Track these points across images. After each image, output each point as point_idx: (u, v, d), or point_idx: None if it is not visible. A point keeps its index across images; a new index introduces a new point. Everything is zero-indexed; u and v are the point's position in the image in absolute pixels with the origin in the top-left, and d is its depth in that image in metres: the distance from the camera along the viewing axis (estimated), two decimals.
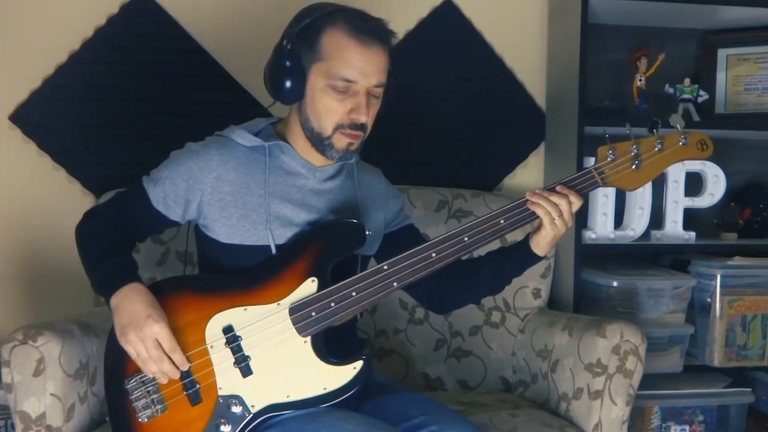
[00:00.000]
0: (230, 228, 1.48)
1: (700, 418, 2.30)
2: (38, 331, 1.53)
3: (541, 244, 1.50)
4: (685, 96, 2.34)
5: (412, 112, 2.31)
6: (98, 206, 1.58)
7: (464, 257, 1.49)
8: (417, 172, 2.29)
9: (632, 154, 1.49)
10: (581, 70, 2.15)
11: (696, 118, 2.33)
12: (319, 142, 1.48)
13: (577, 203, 1.47)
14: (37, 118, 2.19)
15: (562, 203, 1.45)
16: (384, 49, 1.46)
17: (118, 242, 1.48)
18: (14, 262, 2.21)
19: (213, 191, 1.48)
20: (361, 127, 1.46)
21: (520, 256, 1.55)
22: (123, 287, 1.39)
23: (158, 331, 1.35)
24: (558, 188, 1.47)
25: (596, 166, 1.49)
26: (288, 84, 1.45)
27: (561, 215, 1.45)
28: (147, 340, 1.35)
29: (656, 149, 1.50)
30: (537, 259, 1.53)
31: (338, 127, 1.45)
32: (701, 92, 2.35)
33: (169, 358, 1.36)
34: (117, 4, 2.21)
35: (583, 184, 1.49)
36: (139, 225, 1.53)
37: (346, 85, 1.43)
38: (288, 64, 1.45)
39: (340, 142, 1.47)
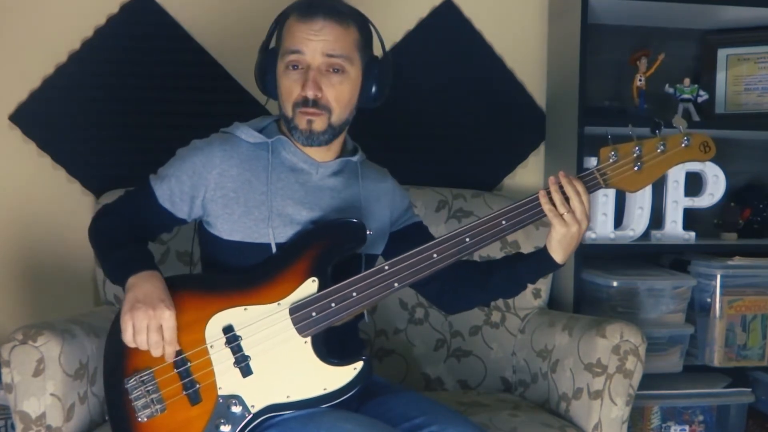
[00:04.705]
0: (232, 224, 1.48)
1: (700, 418, 2.30)
2: (38, 331, 1.54)
3: (553, 245, 1.47)
4: (685, 96, 2.34)
5: (412, 112, 2.32)
6: (108, 204, 1.60)
7: (469, 257, 1.48)
8: (417, 172, 2.29)
9: (635, 155, 1.47)
10: (581, 70, 2.15)
11: (696, 118, 2.33)
12: (289, 129, 1.51)
13: (584, 194, 1.44)
14: (37, 118, 2.18)
15: (568, 189, 1.43)
16: (334, 22, 1.46)
17: (132, 236, 1.51)
18: (14, 262, 2.21)
19: (216, 187, 1.49)
20: (314, 103, 1.46)
21: (536, 260, 1.52)
22: (144, 271, 1.42)
23: (167, 317, 1.36)
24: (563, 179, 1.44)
25: (598, 167, 1.48)
26: (266, 79, 1.53)
27: (570, 211, 1.42)
28: (153, 321, 1.35)
29: (659, 151, 1.48)
30: (554, 264, 1.49)
31: (295, 106, 1.47)
32: (701, 92, 2.35)
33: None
34: (117, 4, 2.21)
35: (586, 185, 1.46)
36: (149, 223, 1.55)
37: (295, 58, 1.45)
38: (263, 60, 1.53)
39: (301, 121, 1.48)
